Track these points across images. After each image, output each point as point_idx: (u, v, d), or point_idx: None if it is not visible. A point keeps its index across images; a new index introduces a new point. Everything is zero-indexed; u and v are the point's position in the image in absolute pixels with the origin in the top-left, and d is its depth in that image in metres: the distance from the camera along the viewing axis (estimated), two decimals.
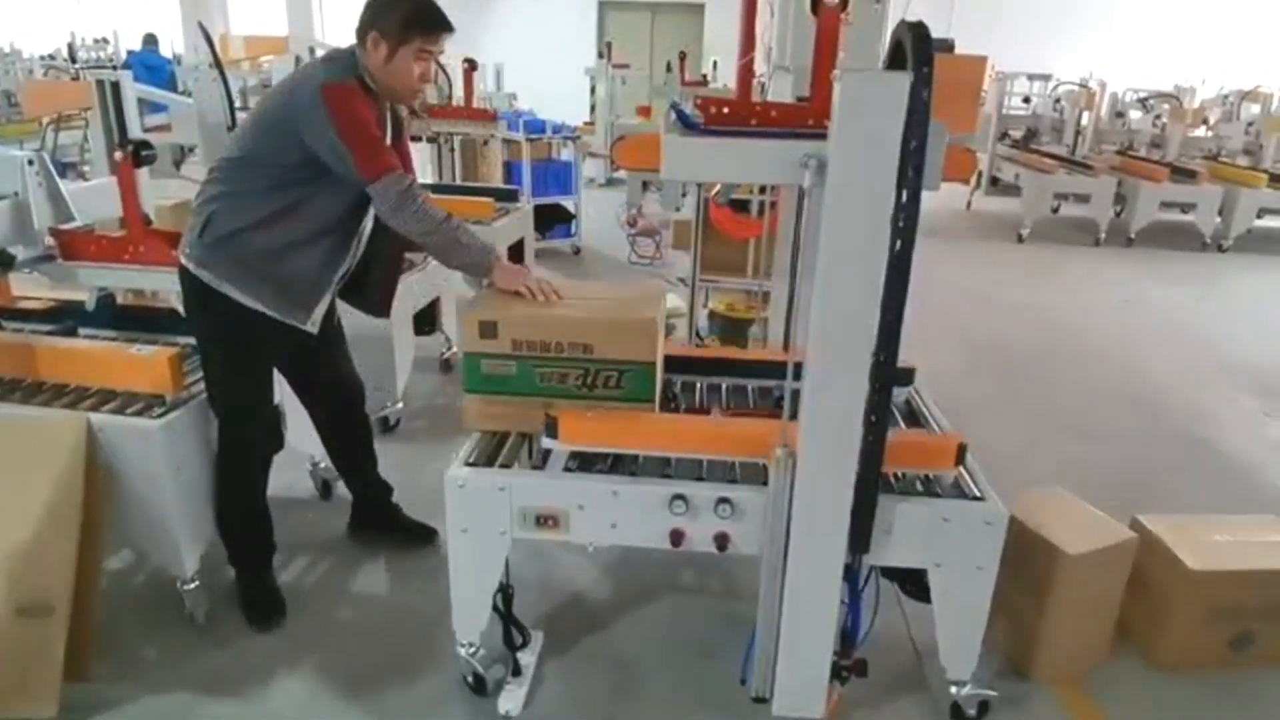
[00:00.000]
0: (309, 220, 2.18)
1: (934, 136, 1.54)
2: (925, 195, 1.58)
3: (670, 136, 1.76)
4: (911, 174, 1.54)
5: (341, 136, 2.03)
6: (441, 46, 2.19)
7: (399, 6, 2.11)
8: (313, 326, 2.32)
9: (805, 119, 1.82)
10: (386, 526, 2.84)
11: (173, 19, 12.77)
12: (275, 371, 2.48)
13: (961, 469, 2.06)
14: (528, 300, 2.12)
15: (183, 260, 2.22)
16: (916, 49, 1.49)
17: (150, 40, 10.06)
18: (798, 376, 1.75)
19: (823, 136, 1.63)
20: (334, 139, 2.03)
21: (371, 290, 2.50)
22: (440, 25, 2.16)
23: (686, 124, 1.85)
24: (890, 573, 2.17)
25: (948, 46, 1.52)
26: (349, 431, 2.74)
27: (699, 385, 2.49)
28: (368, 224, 2.35)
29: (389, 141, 2.24)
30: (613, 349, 2.02)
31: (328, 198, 2.17)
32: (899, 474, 2.03)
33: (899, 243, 1.60)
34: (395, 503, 2.88)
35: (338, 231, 2.26)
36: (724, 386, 2.49)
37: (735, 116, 1.85)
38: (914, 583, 2.10)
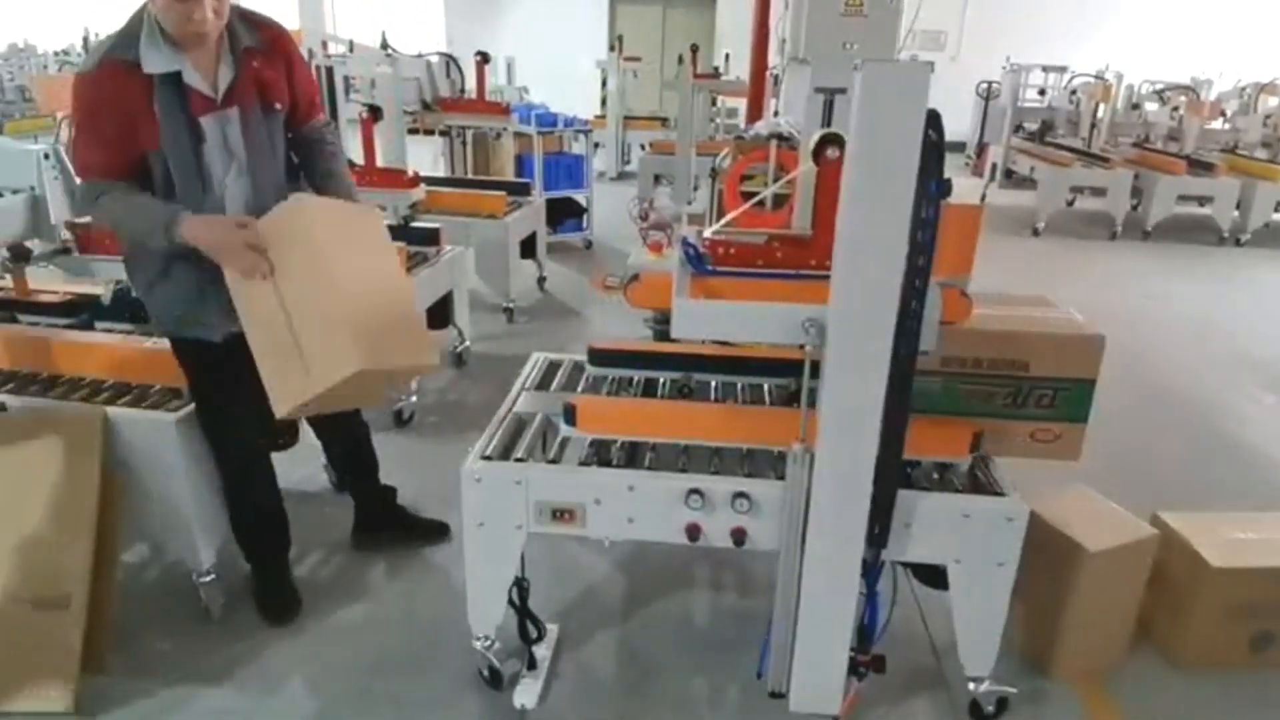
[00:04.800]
0: (153, 252, 2.03)
1: (930, 296, 1.63)
2: None
3: (679, 299, 1.80)
4: (932, 162, 1.54)
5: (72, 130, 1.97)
6: None
7: None
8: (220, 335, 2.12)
9: (808, 259, 1.89)
10: (395, 528, 2.80)
11: None
12: None
13: (979, 461, 2.04)
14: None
15: None
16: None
17: None
18: (815, 375, 1.73)
19: (826, 278, 1.68)
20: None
21: None
22: None
23: (696, 264, 1.90)
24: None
25: (945, 190, 1.58)
26: (342, 440, 2.71)
27: (713, 384, 2.47)
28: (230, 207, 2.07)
29: (225, 87, 2.00)
30: (1052, 366, 1.92)
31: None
32: (914, 461, 2.00)
33: (919, 234, 1.58)
34: (401, 505, 2.84)
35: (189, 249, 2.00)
36: (740, 385, 2.47)
37: (741, 257, 1.93)
38: (927, 569, 2.08)
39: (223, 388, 2.23)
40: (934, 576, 2.04)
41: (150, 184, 1.99)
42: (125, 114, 1.91)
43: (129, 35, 1.92)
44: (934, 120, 1.52)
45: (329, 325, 1.87)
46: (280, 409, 1.94)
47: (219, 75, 2.01)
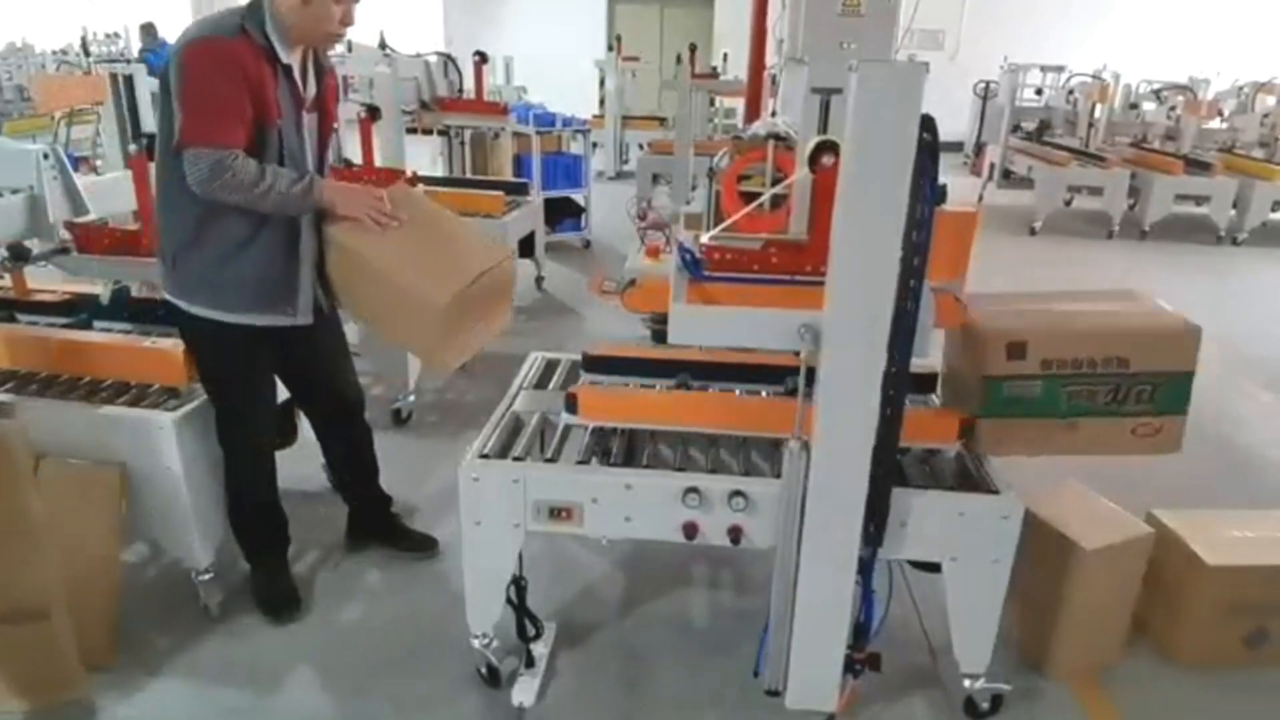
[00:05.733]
0: (241, 214, 2.07)
1: (924, 300, 1.64)
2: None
3: (677, 305, 1.82)
4: (926, 165, 1.55)
5: (182, 93, 1.94)
6: None
7: None
8: (303, 318, 2.24)
9: (804, 265, 1.90)
10: (384, 536, 2.78)
11: (174, 11, 12.76)
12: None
13: (974, 459, 2.04)
14: (1057, 315, 2.02)
15: (166, 293, 2.20)
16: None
17: (149, 29, 9.97)
18: (810, 381, 1.74)
19: (821, 284, 1.69)
20: (175, 96, 1.94)
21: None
22: None
23: (693, 270, 1.91)
24: None
25: (940, 197, 1.59)
26: (348, 441, 2.68)
27: (709, 390, 2.48)
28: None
29: (312, 95, 2.18)
30: (1152, 360, 1.93)
31: None
32: (903, 448, 1.97)
33: (914, 234, 1.59)
34: (394, 513, 2.83)
35: (273, 218, 2.12)
36: (736, 392, 2.47)
37: (738, 263, 1.94)
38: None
39: (245, 381, 2.29)
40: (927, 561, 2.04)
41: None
42: (255, 86, 1.99)
43: (256, 18, 2.01)
44: (928, 123, 1.53)
45: (470, 234, 2.41)
46: (445, 294, 2.09)
47: (307, 83, 2.18)
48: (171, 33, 10.57)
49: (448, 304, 2.08)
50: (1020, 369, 1.91)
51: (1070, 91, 9.99)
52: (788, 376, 2.26)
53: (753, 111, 6.59)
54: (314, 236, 2.21)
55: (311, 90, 2.20)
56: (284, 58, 2.06)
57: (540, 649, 2.28)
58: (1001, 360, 1.90)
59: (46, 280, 2.93)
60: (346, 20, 2.10)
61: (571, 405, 2.00)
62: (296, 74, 2.12)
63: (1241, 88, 9.54)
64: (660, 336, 2.30)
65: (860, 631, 1.96)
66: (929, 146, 1.55)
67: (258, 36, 2.00)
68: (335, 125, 2.34)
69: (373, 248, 2.15)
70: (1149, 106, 9.73)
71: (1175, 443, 2.05)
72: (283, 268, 2.17)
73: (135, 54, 10.37)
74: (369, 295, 2.22)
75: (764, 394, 2.44)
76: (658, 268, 2.07)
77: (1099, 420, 1.98)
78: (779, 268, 1.93)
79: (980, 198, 9.52)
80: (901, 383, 1.71)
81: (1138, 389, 1.95)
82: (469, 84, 6.57)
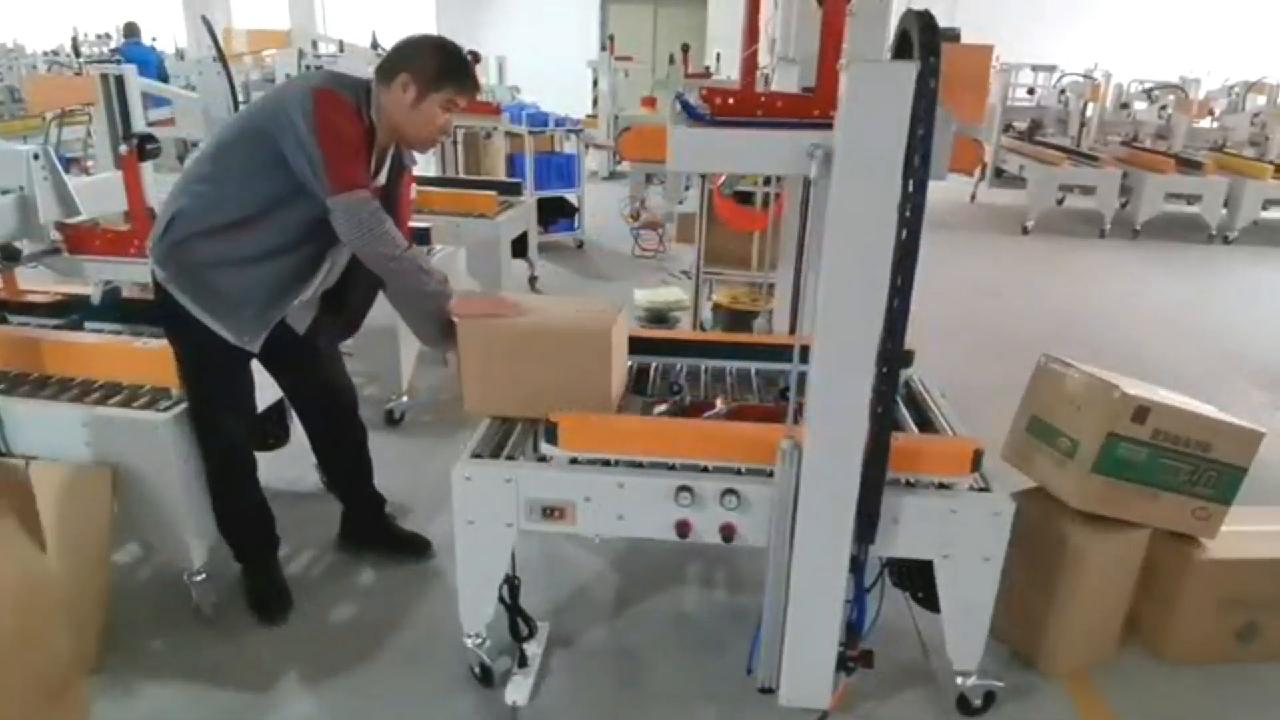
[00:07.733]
0: (264, 238, 2.10)
1: (940, 125, 1.54)
2: (930, 185, 1.59)
3: (677, 128, 1.75)
4: (918, 163, 1.55)
5: (319, 139, 1.98)
6: (465, 102, 2.21)
7: (438, 55, 2.13)
8: (252, 347, 2.21)
9: (811, 109, 1.81)
10: (378, 538, 2.77)
11: (166, 11, 12.73)
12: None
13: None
14: (1162, 395, 2.15)
15: (148, 255, 2.20)
16: (923, 38, 1.49)
17: (131, 29, 9.92)
18: (804, 360, 1.74)
19: (829, 127, 1.63)
20: (309, 140, 1.97)
21: (345, 312, 2.44)
22: (473, 83, 2.22)
23: (692, 115, 1.83)
24: (901, 582, 2.18)
25: (954, 36, 1.52)
26: (341, 443, 2.68)
27: (703, 370, 2.49)
28: (344, 253, 2.28)
29: (383, 182, 2.25)
30: (1228, 451, 2.15)
31: (287, 217, 2.08)
32: (910, 480, 1.97)
33: (905, 232, 1.60)
34: (389, 514, 2.82)
35: (294, 254, 2.16)
36: (728, 370, 2.48)
37: (741, 107, 1.83)
38: (926, 592, 2.08)
39: (227, 388, 2.27)
40: (934, 602, 2.02)
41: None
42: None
43: (367, 100, 2.12)
44: (925, 21, 1.49)
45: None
46: (606, 323, 2.11)
47: (380, 171, 2.25)
48: (165, 34, 10.56)
49: (613, 330, 2.09)
50: (1138, 433, 2.09)
51: (1062, 91, 10.05)
52: (781, 358, 2.25)
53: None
54: (323, 277, 2.27)
55: (382, 179, 2.25)
56: (375, 144, 2.16)
57: (533, 648, 2.28)
58: (1127, 421, 2.07)
59: (38, 281, 2.93)
60: (446, 129, 2.21)
61: (552, 434, 1.96)
62: (373, 160, 2.18)
63: (1232, 87, 9.61)
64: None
65: (853, 629, 1.97)
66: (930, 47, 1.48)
67: (365, 115, 2.11)
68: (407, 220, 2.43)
69: (518, 321, 2.15)
70: (1140, 106, 9.79)
71: (1214, 530, 2.27)
72: (261, 301, 2.18)
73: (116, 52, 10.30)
74: (523, 366, 2.14)
75: (754, 379, 2.46)
76: (653, 116, 2.02)
77: (1174, 496, 2.18)
78: (784, 112, 1.82)
79: (973, 196, 9.56)
80: (894, 375, 1.71)
81: (1210, 474, 2.16)
82: None
